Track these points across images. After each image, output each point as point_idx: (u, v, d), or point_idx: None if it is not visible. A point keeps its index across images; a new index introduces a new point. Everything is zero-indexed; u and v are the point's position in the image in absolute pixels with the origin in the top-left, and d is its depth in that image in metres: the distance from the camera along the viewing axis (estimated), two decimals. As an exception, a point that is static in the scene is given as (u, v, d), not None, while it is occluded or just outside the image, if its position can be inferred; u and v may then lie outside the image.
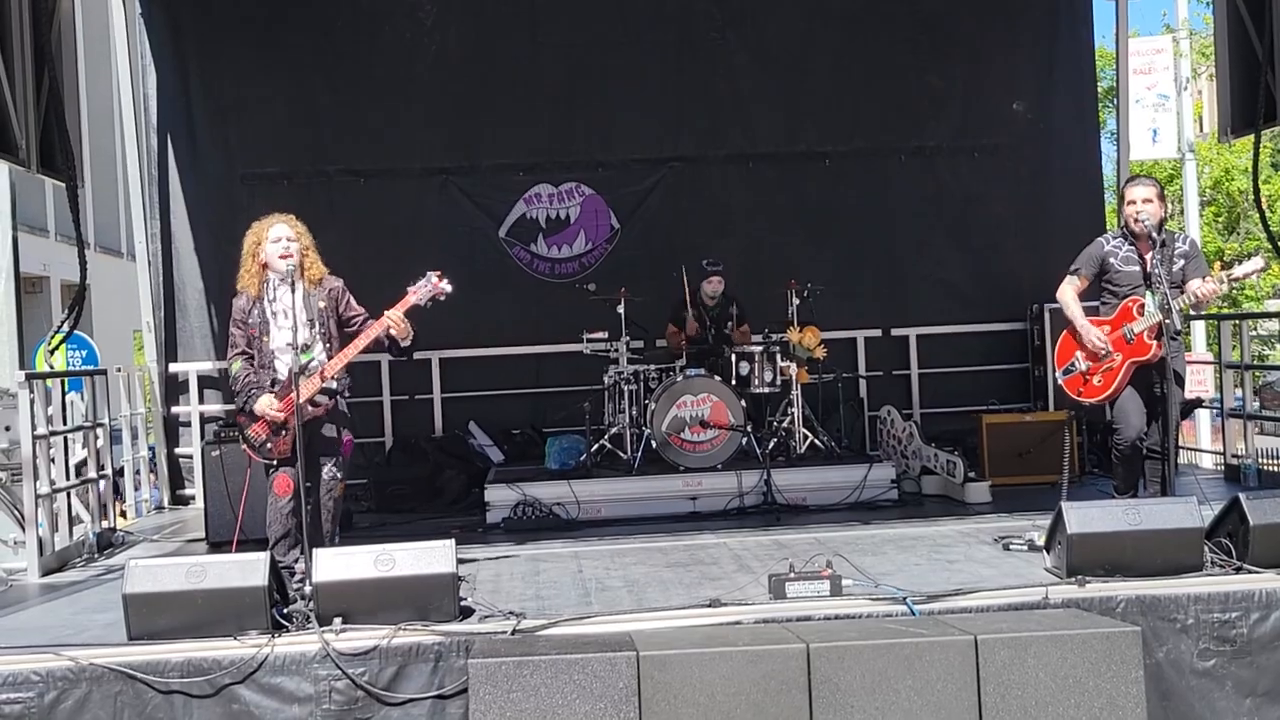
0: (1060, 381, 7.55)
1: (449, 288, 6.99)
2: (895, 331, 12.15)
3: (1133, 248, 7.36)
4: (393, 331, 6.85)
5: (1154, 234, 7.21)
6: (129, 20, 11.36)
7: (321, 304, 6.93)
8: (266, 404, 6.77)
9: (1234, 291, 26.69)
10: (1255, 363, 15.91)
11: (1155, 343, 7.19)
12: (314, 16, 11.79)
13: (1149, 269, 7.18)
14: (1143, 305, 7.21)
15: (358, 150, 11.88)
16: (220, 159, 11.75)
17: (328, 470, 6.89)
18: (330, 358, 6.86)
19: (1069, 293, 7.48)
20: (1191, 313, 7.39)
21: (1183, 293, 7.21)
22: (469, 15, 11.93)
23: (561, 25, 11.94)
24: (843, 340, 11.70)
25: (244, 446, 7.01)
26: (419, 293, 6.94)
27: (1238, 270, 7.22)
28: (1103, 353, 7.28)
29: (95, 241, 22.90)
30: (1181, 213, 21.41)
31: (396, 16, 11.88)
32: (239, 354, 6.94)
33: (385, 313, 6.84)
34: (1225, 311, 22.31)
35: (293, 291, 6.81)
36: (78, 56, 9.46)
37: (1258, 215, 12.08)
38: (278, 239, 6.90)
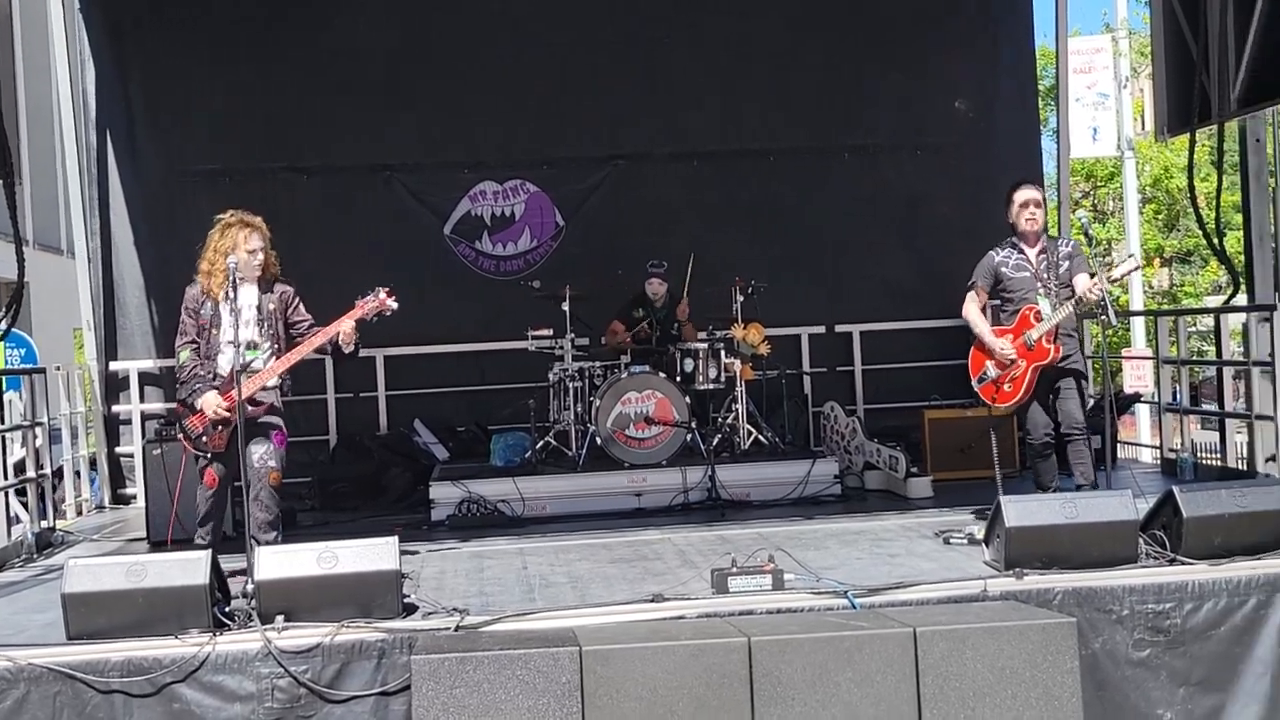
0: (976, 389, 7.97)
1: (395, 305, 7.22)
2: (839, 328, 12.22)
3: (1021, 255, 7.81)
4: (341, 339, 7.04)
5: (1043, 235, 7.72)
6: (67, 16, 11.24)
7: (272, 305, 7.13)
8: (213, 401, 6.92)
9: (1174, 289, 27.07)
10: (1192, 358, 16.11)
11: (1054, 345, 7.63)
12: (257, 12, 11.70)
13: (1037, 273, 7.69)
14: (1039, 312, 7.67)
15: (300, 147, 11.80)
16: (160, 155, 11.64)
17: (258, 457, 6.98)
18: (275, 359, 7.04)
19: (972, 309, 7.92)
20: (1081, 309, 7.76)
21: (1072, 292, 7.59)
22: (414, 13, 11.88)
23: (506, 23, 11.92)
24: (787, 337, 11.74)
25: (179, 436, 7.19)
26: (365, 307, 7.16)
27: (1115, 271, 7.65)
28: (1009, 361, 7.70)
29: (34, 239, 22.57)
30: (1122, 210, 21.68)
31: (341, 13, 11.82)
32: (188, 343, 7.08)
33: (337, 321, 7.00)
34: (1164, 308, 22.61)
35: (257, 291, 7.06)
36: (16, 54, 9.37)
37: (1193, 214, 12.26)
38: (253, 250, 7.09)
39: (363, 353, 10.95)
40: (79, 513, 10.56)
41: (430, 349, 11.73)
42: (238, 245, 7.08)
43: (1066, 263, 7.73)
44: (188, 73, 11.61)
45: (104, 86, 11.51)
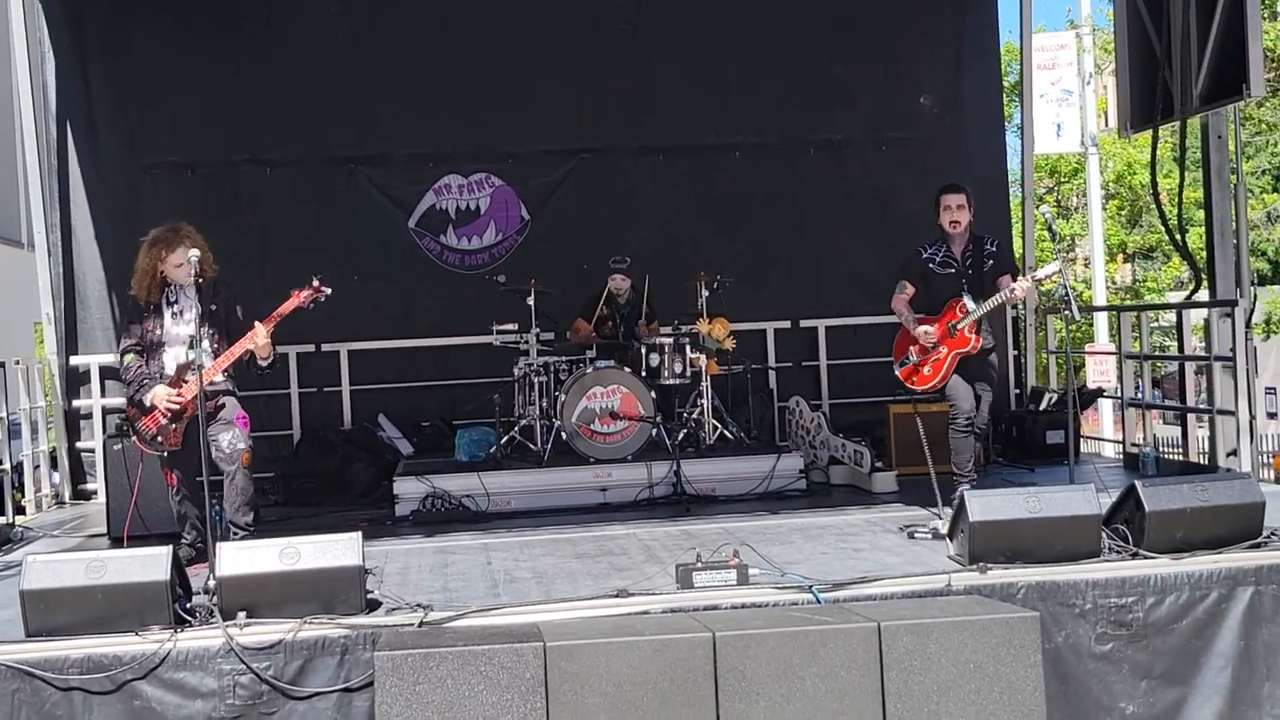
0: (896, 373, 8.41)
1: (329, 290, 7.24)
2: (804, 322, 12.23)
3: (948, 253, 8.25)
4: (257, 351, 7.07)
5: (968, 235, 8.16)
6: (26, 7, 11.10)
7: (214, 306, 7.20)
8: (162, 394, 6.99)
9: (1137, 285, 27.25)
10: (1155, 353, 16.22)
11: (975, 336, 8.06)
12: (220, 4, 11.61)
13: (962, 270, 8.11)
14: (965, 305, 8.06)
15: (265, 139, 11.72)
16: (122, 148, 11.54)
17: (227, 442, 7.04)
18: (216, 357, 7.09)
19: (901, 303, 8.34)
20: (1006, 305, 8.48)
21: (997, 289, 8.03)
22: (379, 4, 11.83)
23: (473, 15, 11.87)
24: (752, 331, 11.74)
25: (134, 439, 7.24)
26: (300, 296, 7.21)
27: (1039, 273, 8.11)
28: (931, 345, 8.13)
29: (-6, 232, 22.39)
30: (1085, 206, 21.80)
31: (305, 5, 11.75)
32: (133, 345, 7.18)
33: (255, 326, 7.04)
34: (1127, 304, 22.76)
35: (196, 292, 7.11)
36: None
37: (1156, 210, 12.35)
38: (180, 264, 7.10)
39: (326, 347, 11.04)
40: (39, 508, 10.46)
41: (395, 343, 11.67)
42: (164, 261, 7.15)
43: (990, 261, 8.19)
44: (150, 65, 11.51)
45: (64, 78, 11.38)
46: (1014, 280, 8.07)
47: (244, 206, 11.36)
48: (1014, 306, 12.08)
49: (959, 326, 8.05)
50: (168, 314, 7.15)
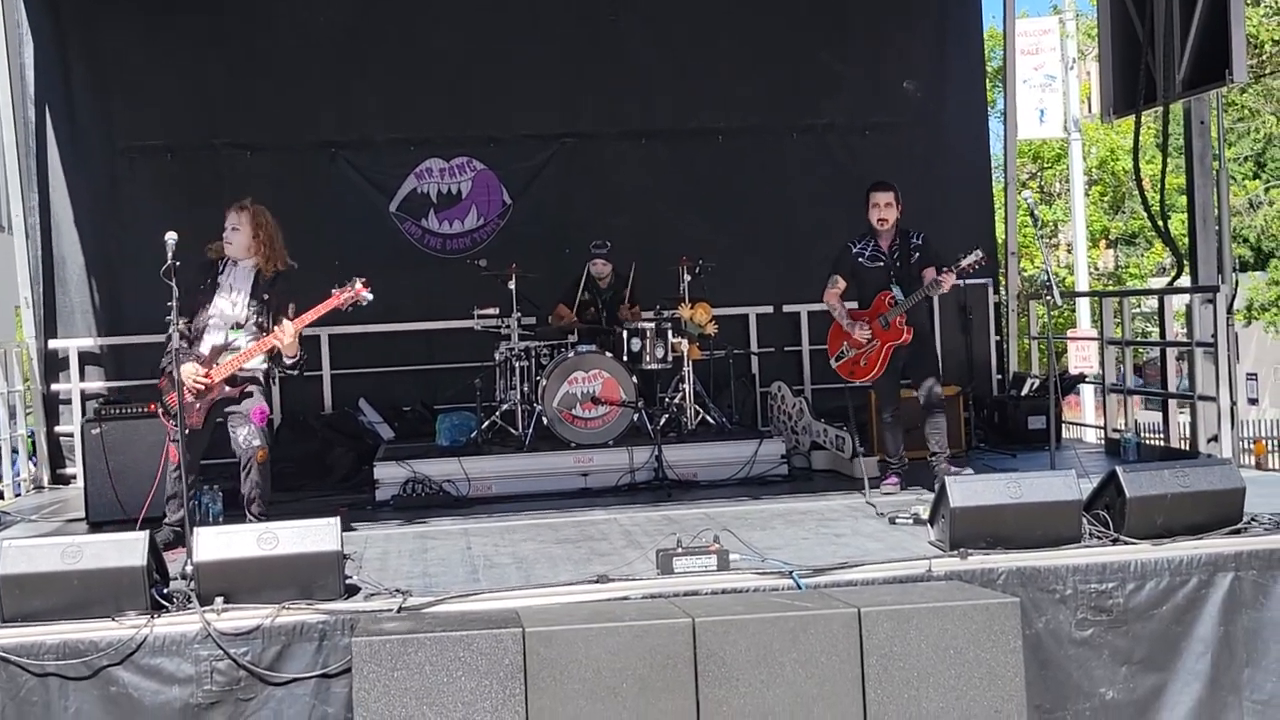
0: (833, 366, 8.89)
1: (370, 296, 7.32)
2: (787, 308, 12.21)
3: (876, 248, 8.61)
4: (284, 351, 7.22)
5: (895, 230, 8.55)
6: (3, -12, 11.02)
7: (266, 295, 7.33)
8: (190, 371, 7.08)
9: (1119, 270, 27.29)
10: (1136, 339, 16.25)
11: (907, 328, 8.45)
12: (199, -15, 11.55)
13: (890, 263, 8.53)
14: (893, 297, 8.47)
15: (245, 123, 11.64)
16: (102, 132, 11.45)
17: (243, 437, 7.23)
18: (254, 342, 7.23)
19: (833, 296, 8.78)
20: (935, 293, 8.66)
21: (923, 281, 8.42)
22: (359, -13, 11.78)
23: (453, -1, 11.83)
24: (735, 316, 11.72)
25: (160, 411, 7.32)
26: (341, 297, 7.27)
27: (963, 261, 8.34)
28: (865, 340, 8.57)
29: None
30: (1068, 192, 21.81)
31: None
32: (180, 315, 7.04)
33: (282, 324, 7.16)
34: (1109, 289, 22.81)
35: (253, 275, 7.34)
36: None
37: (1138, 196, 12.35)
38: (225, 227, 7.39)
39: (307, 331, 10.97)
40: (16, 493, 10.40)
41: (375, 328, 11.57)
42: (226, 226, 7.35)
43: (917, 254, 8.56)
44: (129, 48, 11.43)
45: (43, 62, 11.27)
46: (939, 273, 8.38)
47: (224, 191, 11.16)
48: (996, 292, 12.12)
49: (890, 319, 8.46)
50: (218, 292, 7.29)
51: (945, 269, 8.34)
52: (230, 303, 7.30)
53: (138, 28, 11.44)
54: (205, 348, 7.23)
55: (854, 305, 8.85)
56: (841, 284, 8.75)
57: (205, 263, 7.41)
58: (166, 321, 6.81)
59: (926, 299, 8.71)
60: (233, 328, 7.26)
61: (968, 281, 10.24)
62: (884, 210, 8.55)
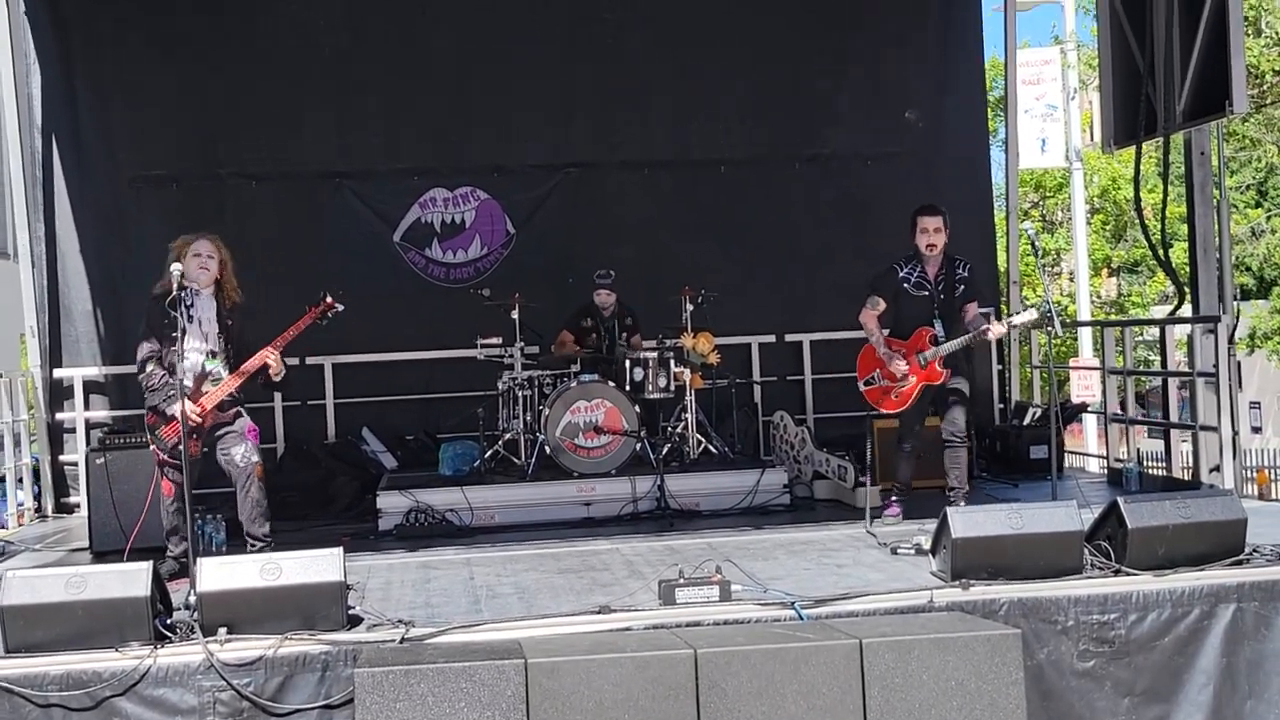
0: (861, 389, 8.55)
1: (341, 307, 7.50)
2: (789, 337, 12.25)
3: (922, 274, 8.31)
4: (271, 370, 7.30)
5: (942, 259, 8.27)
6: (12, 18, 11.08)
7: (231, 321, 7.42)
8: (188, 408, 6.97)
9: (1121, 299, 27.31)
10: (1138, 369, 16.27)
11: (944, 370, 8.21)
12: (207, 16, 11.59)
13: (935, 294, 8.26)
14: (935, 336, 8.17)
15: (250, 153, 11.71)
16: (109, 161, 11.51)
17: (240, 455, 7.28)
18: (229, 370, 7.31)
19: (870, 318, 8.39)
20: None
21: (964, 315, 8.24)
22: (364, 17, 11.85)
23: (457, 28, 11.89)
24: (737, 345, 11.75)
25: (154, 447, 7.36)
26: (314, 311, 7.46)
27: (1015, 320, 8.26)
28: (899, 374, 8.26)
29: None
30: (1070, 221, 21.83)
31: (291, 18, 11.75)
32: (151, 351, 7.28)
33: (265, 349, 7.26)
34: (1111, 319, 22.82)
35: (215, 304, 7.37)
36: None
37: (1139, 226, 12.41)
38: (197, 254, 7.34)
39: (310, 360, 11.02)
40: (20, 522, 10.42)
41: (379, 357, 11.65)
42: (184, 254, 7.29)
43: (962, 286, 8.34)
44: (135, 79, 11.51)
45: (50, 91, 11.36)
46: (980, 307, 8.28)
47: (229, 220, 11.29)
48: (998, 320, 12.11)
49: (929, 359, 8.20)
50: (185, 319, 7.19)
51: (987, 315, 8.13)
52: (202, 333, 7.32)
53: (144, 59, 11.52)
54: (188, 379, 7.20)
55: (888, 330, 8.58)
56: (882, 305, 8.37)
57: (158, 298, 7.23)
58: (145, 356, 7.08)
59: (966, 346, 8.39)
60: (208, 356, 7.31)
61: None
62: (933, 235, 8.25)
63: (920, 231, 8.29)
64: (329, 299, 7.44)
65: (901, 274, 8.34)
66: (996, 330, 8.20)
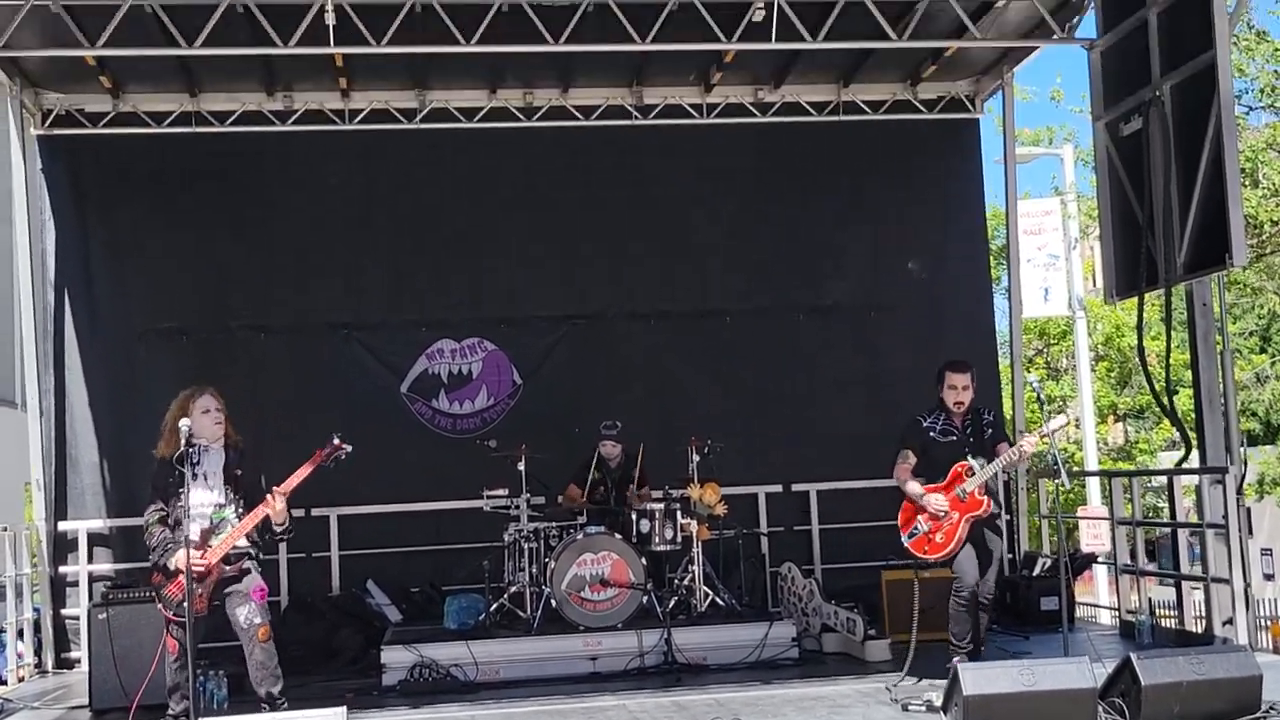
0: (906, 544, 8.26)
1: (349, 448, 7.34)
2: (796, 487, 12.23)
3: (949, 423, 8.22)
4: (272, 519, 7.19)
5: (969, 415, 8.18)
6: (30, 176, 11.31)
7: (238, 471, 7.33)
8: (186, 558, 6.94)
9: (1129, 445, 27.26)
10: (1148, 518, 16.18)
11: (986, 498, 8.03)
12: (218, 173, 11.85)
13: (963, 439, 8.12)
14: (970, 467, 8.02)
15: (260, 305, 11.89)
16: (119, 315, 11.67)
17: (244, 617, 7.15)
18: (240, 519, 7.18)
19: (904, 471, 8.26)
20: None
21: (996, 455, 8.04)
22: (373, 172, 12.08)
23: (465, 183, 12.12)
24: (744, 496, 11.71)
25: (159, 606, 7.21)
26: (321, 454, 7.29)
27: (1047, 426, 8.03)
28: (942, 514, 8.01)
29: (-12, 393, 22.43)
30: (1075, 368, 21.90)
31: (301, 173, 11.99)
32: (156, 511, 7.20)
33: (271, 493, 7.15)
34: (1121, 468, 22.76)
35: (222, 455, 7.29)
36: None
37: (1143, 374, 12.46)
38: (206, 410, 7.30)
39: (316, 512, 10.98)
40: (19, 677, 10.30)
41: (384, 508, 11.64)
42: (189, 410, 7.25)
43: (990, 430, 8.23)
44: (148, 234, 11.74)
45: (64, 246, 11.57)
46: (1009, 445, 8.11)
47: (238, 372, 11.39)
48: (1005, 471, 12.10)
49: (968, 489, 8.00)
50: (191, 478, 7.12)
51: (1027, 433, 8.00)
52: (208, 489, 7.24)
53: (158, 214, 11.76)
54: (194, 534, 7.10)
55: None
56: (913, 459, 8.23)
57: (165, 460, 7.26)
58: (151, 518, 7.02)
59: (1005, 472, 8.29)
60: (215, 509, 7.22)
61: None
62: (961, 393, 8.17)
63: (949, 388, 8.21)
64: (336, 441, 7.33)
65: (926, 424, 8.25)
66: (1029, 443, 8.04)
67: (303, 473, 7.24)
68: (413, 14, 10.10)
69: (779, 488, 12.21)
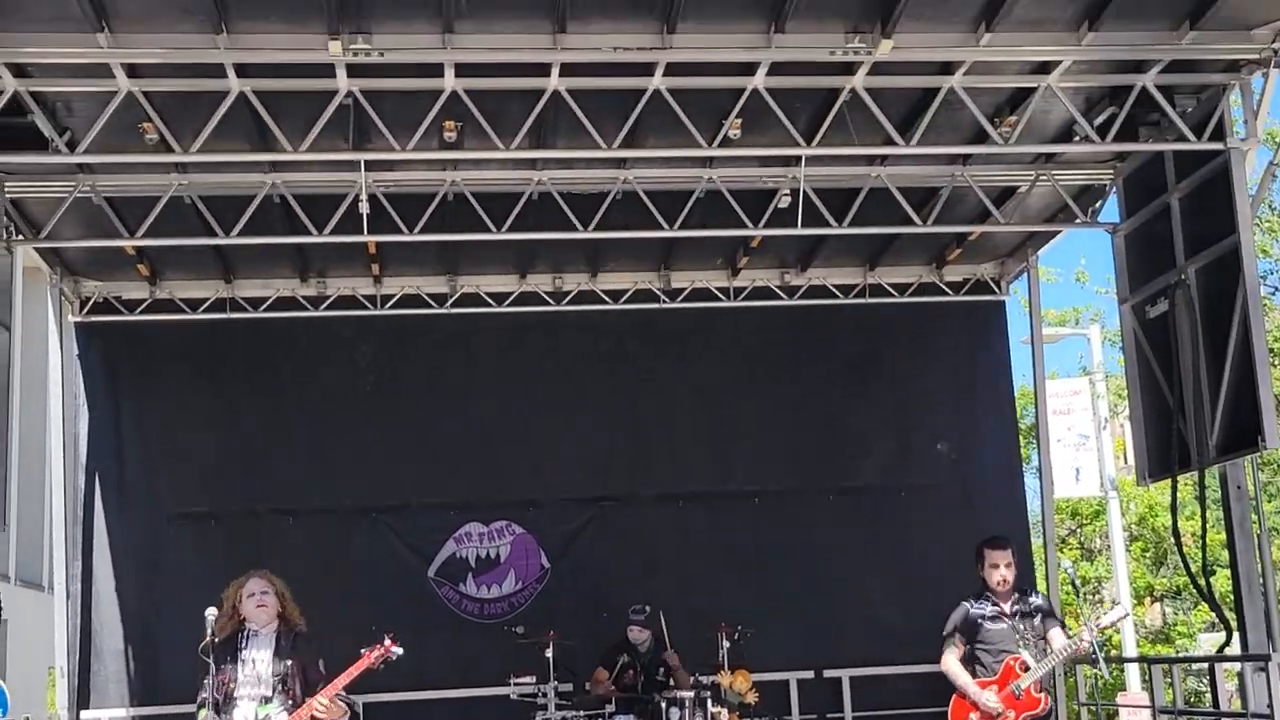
0: None
1: (400, 650, 7.10)
2: (828, 673, 12.00)
3: (996, 606, 7.92)
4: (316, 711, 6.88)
5: (1014, 593, 7.91)
6: (65, 361, 11.47)
7: (289, 661, 7.04)
8: None
9: (1167, 628, 26.74)
10: (1189, 703, 15.80)
11: (1043, 695, 7.72)
12: (249, 357, 12.01)
13: (1013, 624, 7.82)
14: (1024, 663, 7.69)
15: (288, 489, 11.88)
16: (149, 498, 11.72)
17: None
18: (289, 715, 6.89)
19: (952, 662, 7.97)
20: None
21: (1049, 642, 7.78)
22: (402, 356, 12.20)
23: (492, 366, 12.22)
24: (775, 682, 11.50)
25: None
26: (371, 656, 7.06)
27: (1104, 619, 7.86)
28: (996, 713, 7.68)
29: (16, 575, 22.42)
30: (1108, 548, 21.62)
31: (330, 357, 12.12)
32: (204, 700, 6.96)
33: (314, 698, 6.87)
34: (1160, 654, 22.32)
35: (273, 644, 7.03)
36: (12, 398, 9.48)
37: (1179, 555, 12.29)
38: (252, 593, 7.10)
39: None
40: None
41: (411, 695, 11.42)
42: (240, 596, 7.10)
43: (1039, 615, 7.95)
44: (179, 418, 11.84)
45: (96, 429, 11.66)
46: (1062, 629, 7.90)
47: (265, 556, 11.25)
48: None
49: (1023, 685, 7.70)
50: (240, 663, 6.97)
51: (1082, 626, 7.74)
52: (255, 674, 6.99)
53: (189, 399, 11.88)
54: None
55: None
56: (961, 648, 7.94)
57: (218, 644, 7.05)
58: (200, 707, 6.79)
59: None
60: (262, 701, 6.94)
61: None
62: (1004, 570, 7.89)
63: (991, 567, 7.94)
64: (388, 643, 7.08)
65: (974, 609, 7.96)
66: (1087, 639, 7.66)
67: (351, 674, 6.99)
68: (445, 203, 10.31)
69: (810, 674, 11.97)
